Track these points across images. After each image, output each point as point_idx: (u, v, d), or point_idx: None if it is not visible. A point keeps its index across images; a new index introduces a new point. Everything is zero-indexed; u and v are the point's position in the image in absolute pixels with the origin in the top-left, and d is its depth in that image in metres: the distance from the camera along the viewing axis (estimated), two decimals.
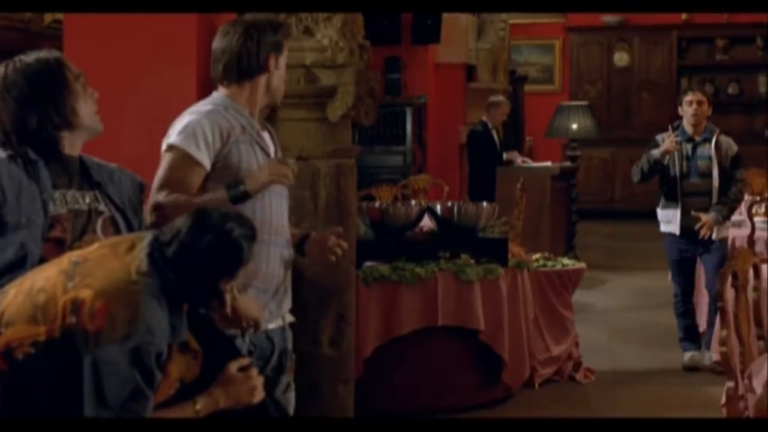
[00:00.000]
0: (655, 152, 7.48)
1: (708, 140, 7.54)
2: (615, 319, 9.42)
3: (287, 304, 4.06)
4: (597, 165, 17.37)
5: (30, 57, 3.39)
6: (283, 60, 4.07)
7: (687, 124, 7.58)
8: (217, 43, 4.02)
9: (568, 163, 12.43)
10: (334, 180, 5.46)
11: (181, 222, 2.98)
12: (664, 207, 7.62)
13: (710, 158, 7.49)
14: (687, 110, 7.56)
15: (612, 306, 9.99)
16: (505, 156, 11.59)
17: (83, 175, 3.40)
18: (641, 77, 17.98)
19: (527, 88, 16.71)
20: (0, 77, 3.34)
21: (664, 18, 17.02)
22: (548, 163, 12.14)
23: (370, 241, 6.61)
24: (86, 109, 3.40)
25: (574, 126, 12.23)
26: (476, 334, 6.48)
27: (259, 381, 3.16)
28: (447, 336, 6.49)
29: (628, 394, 6.91)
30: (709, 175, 7.49)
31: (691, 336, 7.68)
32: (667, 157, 7.48)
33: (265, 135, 4.09)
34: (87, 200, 3.36)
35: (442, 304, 6.37)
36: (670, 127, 7.62)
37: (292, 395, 4.01)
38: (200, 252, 2.95)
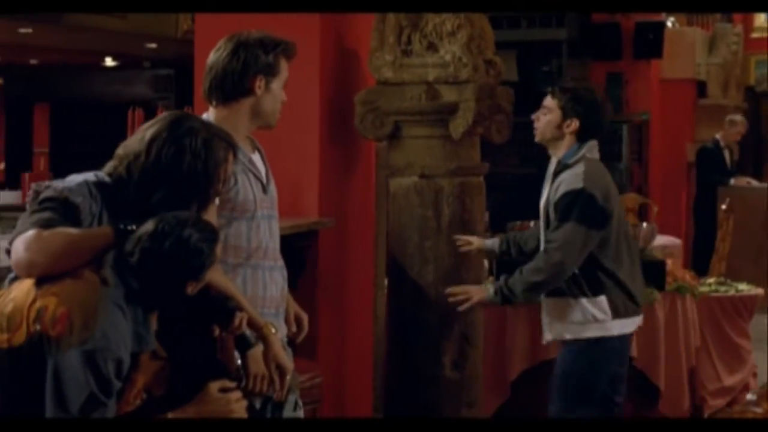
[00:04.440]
0: None
1: (563, 169, 4.80)
2: None
3: (284, 324, 3.98)
4: None
5: (221, 137, 3.21)
6: (277, 82, 3.82)
7: None
8: (209, 59, 3.84)
9: None
10: (457, 198, 5.36)
11: (143, 230, 2.98)
12: None
13: (547, 199, 4.86)
14: None
15: None
16: (732, 181, 11.23)
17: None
18: None
19: None
20: (184, 130, 3.14)
21: None
22: None
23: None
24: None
25: None
26: (630, 361, 6.20)
27: (239, 405, 3.10)
28: None
29: None
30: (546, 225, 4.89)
31: None
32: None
33: (255, 157, 3.88)
34: None
35: None
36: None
37: (300, 413, 3.93)
38: (161, 259, 2.94)
